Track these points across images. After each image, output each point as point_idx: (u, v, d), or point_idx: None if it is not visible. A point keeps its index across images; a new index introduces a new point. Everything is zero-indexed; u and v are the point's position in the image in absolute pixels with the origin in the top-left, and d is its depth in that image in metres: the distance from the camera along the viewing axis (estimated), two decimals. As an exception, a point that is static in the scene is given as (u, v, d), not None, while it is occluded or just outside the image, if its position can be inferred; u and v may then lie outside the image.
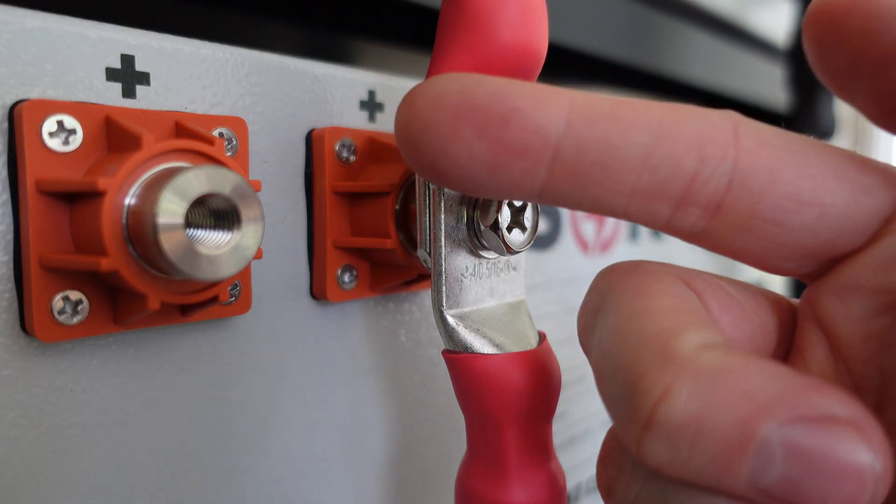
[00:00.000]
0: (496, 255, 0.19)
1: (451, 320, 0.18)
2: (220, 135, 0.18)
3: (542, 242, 0.29)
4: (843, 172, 0.13)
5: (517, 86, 0.13)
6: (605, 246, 0.33)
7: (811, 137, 0.14)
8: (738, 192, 0.13)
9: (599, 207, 0.13)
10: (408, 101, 0.13)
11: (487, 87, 0.13)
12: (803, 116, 0.41)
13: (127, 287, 0.15)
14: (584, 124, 0.12)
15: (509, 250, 0.19)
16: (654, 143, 0.12)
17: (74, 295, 0.15)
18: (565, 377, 0.31)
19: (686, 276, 0.15)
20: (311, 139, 0.20)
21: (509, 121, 0.12)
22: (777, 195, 0.13)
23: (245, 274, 0.19)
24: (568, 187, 0.13)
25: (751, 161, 0.13)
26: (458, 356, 0.18)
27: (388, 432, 0.24)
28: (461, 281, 0.19)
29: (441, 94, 0.13)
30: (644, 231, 0.36)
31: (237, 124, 0.18)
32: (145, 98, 0.17)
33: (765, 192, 0.13)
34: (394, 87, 0.23)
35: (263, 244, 0.20)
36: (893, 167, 0.14)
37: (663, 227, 0.14)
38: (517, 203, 0.19)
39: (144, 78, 0.17)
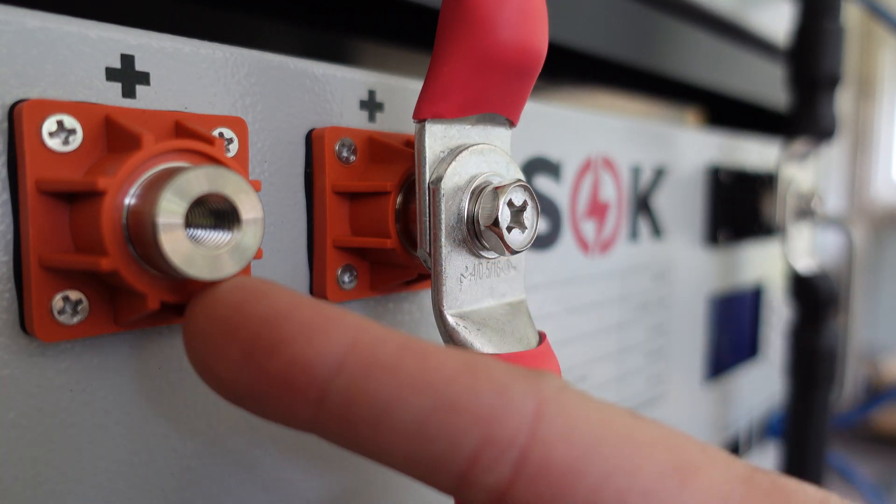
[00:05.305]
0: (496, 255, 0.19)
1: (451, 320, 0.18)
2: (220, 135, 0.18)
3: (542, 242, 0.29)
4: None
5: (299, 310, 0.11)
6: (606, 246, 0.33)
7: (644, 418, 0.11)
8: (524, 489, 0.11)
9: (379, 461, 0.12)
10: (195, 300, 0.13)
11: (264, 307, 0.12)
12: (803, 116, 0.41)
13: (127, 287, 0.15)
14: (360, 371, 0.11)
15: (509, 250, 0.19)
16: (433, 410, 0.11)
17: (74, 295, 0.15)
18: (565, 377, 0.31)
19: None
20: (311, 139, 0.20)
21: (275, 352, 0.11)
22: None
23: (245, 274, 0.19)
24: (339, 433, 0.11)
25: (543, 455, 0.11)
26: (458, 356, 0.18)
27: (388, 432, 0.24)
28: (461, 281, 0.19)
29: (218, 303, 0.12)
30: (645, 231, 0.36)
31: (237, 124, 0.18)
32: (145, 98, 0.17)
33: (556, 499, 0.10)
34: (394, 87, 0.23)
35: (263, 244, 0.20)
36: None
37: (452, 493, 0.11)
38: (517, 203, 0.19)
39: (144, 78, 0.17)
